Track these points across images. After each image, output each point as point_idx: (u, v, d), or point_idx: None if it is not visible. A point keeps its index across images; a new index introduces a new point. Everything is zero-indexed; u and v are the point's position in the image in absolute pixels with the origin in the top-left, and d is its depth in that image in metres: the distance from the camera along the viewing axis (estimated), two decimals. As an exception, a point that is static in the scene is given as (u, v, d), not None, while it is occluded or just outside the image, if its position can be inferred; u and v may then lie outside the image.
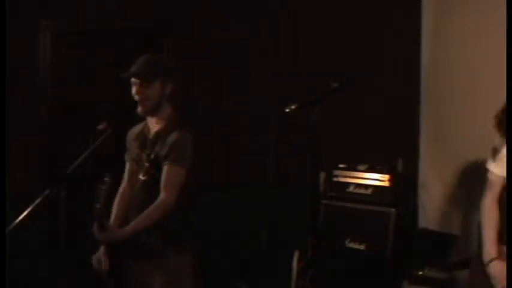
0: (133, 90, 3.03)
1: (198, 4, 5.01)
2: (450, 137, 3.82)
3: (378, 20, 4.27)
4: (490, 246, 2.49)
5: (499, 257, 2.46)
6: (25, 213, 2.78)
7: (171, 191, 2.92)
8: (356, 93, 3.13)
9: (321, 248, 3.10)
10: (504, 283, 2.39)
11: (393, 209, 3.73)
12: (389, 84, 4.16)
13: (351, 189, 3.93)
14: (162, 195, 2.92)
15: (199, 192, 3.12)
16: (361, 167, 3.93)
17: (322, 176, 4.02)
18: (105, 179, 2.84)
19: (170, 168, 2.94)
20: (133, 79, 3.02)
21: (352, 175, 3.94)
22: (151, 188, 2.98)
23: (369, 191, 3.86)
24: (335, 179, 3.99)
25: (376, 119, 4.21)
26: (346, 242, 3.85)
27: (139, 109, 3.02)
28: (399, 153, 3.96)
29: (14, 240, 2.82)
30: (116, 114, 3.03)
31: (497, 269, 2.44)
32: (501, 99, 2.63)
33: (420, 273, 3.55)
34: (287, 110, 2.66)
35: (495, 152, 2.56)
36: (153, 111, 3.06)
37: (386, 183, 3.80)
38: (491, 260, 2.47)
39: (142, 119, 3.15)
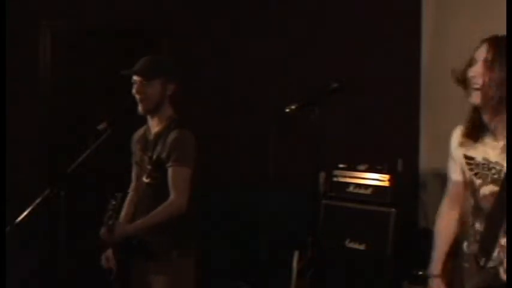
0: (134, 89, 3.04)
1: (198, 4, 5.01)
2: (450, 137, 3.81)
3: (378, 19, 4.27)
4: (436, 262, 2.51)
5: (440, 275, 2.47)
6: (25, 213, 2.79)
7: (181, 191, 2.92)
8: (356, 93, 3.13)
9: (321, 248, 3.10)
10: None
11: (393, 209, 3.73)
12: (389, 84, 4.16)
13: (351, 189, 3.93)
14: (172, 197, 2.91)
15: (200, 192, 3.12)
16: (361, 167, 3.93)
17: (322, 176, 4.01)
18: (116, 194, 2.87)
19: (176, 170, 2.94)
20: (134, 77, 3.04)
21: (352, 175, 3.94)
22: (155, 190, 2.98)
23: (368, 191, 3.86)
24: (335, 179, 3.99)
25: (376, 119, 4.21)
26: (346, 242, 3.84)
27: (139, 108, 3.04)
28: (399, 153, 3.96)
29: (14, 240, 2.83)
30: (116, 114, 3.04)
31: (435, 286, 2.48)
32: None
33: (420, 273, 3.55)
34: (287, 110, 2.66)
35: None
36: (153, 111, 3.06)
37: (386, 183, 3.80)
38: (433, 276, 2.50)
39: (142, 119, 3.16)
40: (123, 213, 3.17)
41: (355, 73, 4.09)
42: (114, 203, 2.86)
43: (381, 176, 3.82)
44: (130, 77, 3.07)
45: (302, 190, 3.36)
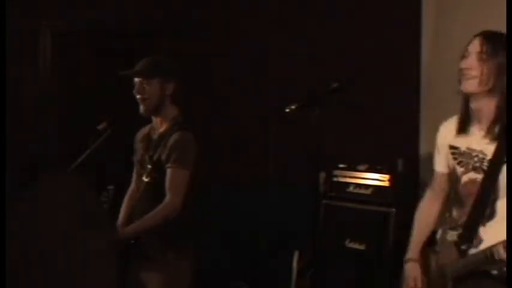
0: (135, 89, 3.06)
1: (198, 4, 5.02)
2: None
3: (378, 19, 4.27)
4: (412, 247, 2.63)
5: (416, 259, 2.60)
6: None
7: (176, 193, 2.92)
8: (356, 93, 3.13)
9: (321, 248, 3.10)
10: (412, 284, 2.56)
11: (393, 209, 3.72)
12: (389, 84, 4.16)
13: (351, 189, 3.92)
14: (167, 198, 2.92)
15: (200, 192, 3.12)
16: (361, 167, 3.92)
17: (322, 176, 4.01)
18: (109, 188, 2.87)
19: (174, 171, 2.94)
20: (135, 79, 3.05)
21: (352, 175, 3.94)
22: (154, 190, 2.99)
23: (369, 191, 3.86)
24: (335, 179, 3.99)
25: (376, 119, 4.21)
26: (346, 242, 3.84)
27: (140, 108, 3.05)
28: (399, 153, 3.96)
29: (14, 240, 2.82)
30: (116, 114, 3.04)
31: (410, 269, 2.59)
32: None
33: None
34: (287, 110, 2.67)
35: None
36: (154, 111, 3.07)
37: (386, 183, 3.80)
38: (408, 260, 2.63)
39: (143, 119, 3.16)
40: (121, 210, 3.18)
41: (355, 73, 4.09)
42: (106, 196, 2.87)
43: (380, 176, 3.82)
44: (132, 78, 3.08)
45: (302, 190, 3.37)
